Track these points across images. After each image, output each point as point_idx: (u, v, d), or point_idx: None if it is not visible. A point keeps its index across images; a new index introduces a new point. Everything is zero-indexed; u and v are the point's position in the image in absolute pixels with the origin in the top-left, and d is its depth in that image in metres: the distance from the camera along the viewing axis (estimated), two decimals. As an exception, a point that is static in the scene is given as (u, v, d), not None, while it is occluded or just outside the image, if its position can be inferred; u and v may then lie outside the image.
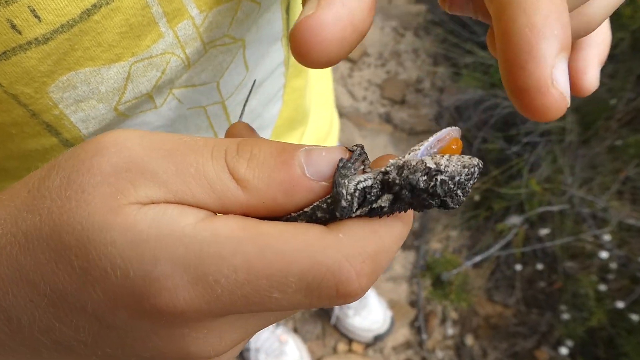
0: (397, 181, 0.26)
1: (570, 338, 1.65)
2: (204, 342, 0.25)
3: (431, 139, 0.27)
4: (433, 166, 0.25)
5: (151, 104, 0.43)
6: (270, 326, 1.69)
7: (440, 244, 1.94)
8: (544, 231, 1.75)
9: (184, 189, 0.24)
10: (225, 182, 0.25)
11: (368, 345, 1.79)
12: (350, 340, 1.80)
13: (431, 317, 1.83)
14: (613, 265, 1.62)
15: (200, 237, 0.23)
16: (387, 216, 0.26)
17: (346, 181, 0.25)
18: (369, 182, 0.26)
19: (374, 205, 0.26)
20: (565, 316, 1.67)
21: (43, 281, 0.24)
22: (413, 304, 1.86)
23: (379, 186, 0.26)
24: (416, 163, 0.26)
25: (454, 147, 0.27)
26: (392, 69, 2.31)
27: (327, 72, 0.88)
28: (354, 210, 0.26)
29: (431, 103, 2.20)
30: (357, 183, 0.26)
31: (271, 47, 0.51)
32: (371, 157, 0.28)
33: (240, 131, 0.33)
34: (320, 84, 0.82)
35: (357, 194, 0.26)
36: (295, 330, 1.81)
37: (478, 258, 1.82)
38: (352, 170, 0.26)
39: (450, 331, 1.80)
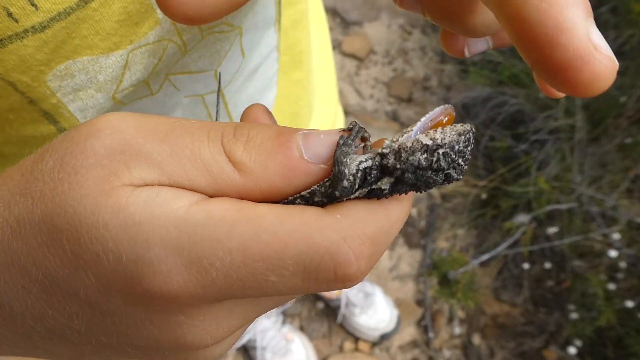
0: (397, 166, 0.25)
1: (579, 338, 1.63)
2: (200, 329, 0.25)
3: (423, 119, 0.27)
4: (430, 142, 0.25)
5: (147, 91, 0.42)
6: (277, 325, 1.69)
7: (447, 243, 1.93)
8: (552, 230, 1.73)
9: (179, 172, 0.24)
10: (221, 165, 0.24)
11: (374, 344, 1.78)
12: (356, 339, 1.79)
13: (438, 316, 1.82)
14: (622, 264, 1.60)
15: (194, 220, 0.23)
16: (386, 198, 0.26)
17: (348, 160, 0.25)
18: (370, 163, 0.26)
19: (374, 187, 0.25)
20: (574, 315, 1.65)
21: (35, 266, 0.24)
22: (420, 302, 1.85)
23: (378, 167, 0.26)
24: (412, 144, 0.25)
25: (445, 120, 0.27)
26: (399, 66, 2.30)
27: (331, 67, 0.87)
28: (354, 191, 0.25)
29: (438, 101, 2.18)
30: (359, 163, 0.25)
31: (265, 33, 0.50)
32: None
33: (257, 114, 0.32)
34: (324, 80, 0.82)
35: (358, 175, 0.25)
36: (302, 329, 1.81)
37: (485, 257, 1.80)
38: (353, 148, 0.26)
39: (457, 330, 1.79)
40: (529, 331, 1.76)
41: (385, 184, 0.26)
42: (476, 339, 1.78)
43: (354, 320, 1.75)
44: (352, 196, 0.26)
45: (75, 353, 0.28)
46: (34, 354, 0.28)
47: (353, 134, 0.26)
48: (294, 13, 0.55)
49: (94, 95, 0.38)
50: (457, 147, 0.25)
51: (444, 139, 0.25)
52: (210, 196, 0.24)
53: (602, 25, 1.77)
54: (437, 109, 0.27)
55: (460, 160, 0.25)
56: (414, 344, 1.79)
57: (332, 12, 2.41)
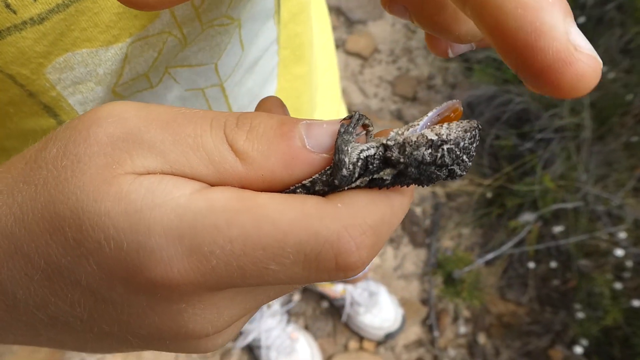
0: (401, 160, 0.25)
1: (585, 337, 1.62)
2: (201, 318, 0.25)
3: (430, 113, 0.27)
4: (435, 137, 0.25)
5: (147, 84, 0.42)
6: (281, 324, 1.69)
7: (451, 242, 1.93)
8: (557, 229, 1.72)
9: (181, 160, 0.24)
10: (223, 154, 0.24)
11: (379, 343, 1.78)
12: (361, 338, 1.79)
13: (443, 315, 1.81)
14: (629, 264, 1.59)
15: (195, 208, 0.23)
16: (388, 188, 0.26)
17: (349, 148, 0.25)
18: (372, 152, 0.26)
19: (375, 176, 0.25)
20: (580, 315, 1.64)
21: (37, 254, 0.24)
22: (424, 301, 1.84)
23: (381, 157, 0.26)
24: (417, 138, 0.25)
25: (452, 115, 0.27)
26: (403, 65, 2.29)
27: (334, 64, 0.87)
28: (354, 180, 0.25)
29: (443, 99, 2.18)
30: (360, 152, 0.25)
31: (264, 25, 0.50)
32: None
33: (271, 106, 0.32)
34: (326, 76, 0.81)
35: (359, 163, 0.25)
36: (306, 328, 1.81)
37: (490, 256, 1.79)
38: (354, 136, 0.26)
39: (463, 329, 1.79)
40: (535, 330, 1.75)
41: (387, 174, 0.25)
42: (481, 338, 1.77)
43: (359, 319, 1.74)
44: (353, 185, 0.26)
45: (78, 341, 0.28)
46: (38, 342, 0.29)
47: (354, 121, 0.26)
48: (293, 5, 0.55)
49: (94, 88, 0.38)
50: (462, 144, 0.25)
51: (450, 135, 0.25)
52: (213, 185, 0.24)
53: (607, 23, 1.76)
54: (445, 104, 0.27)
55: (464, 157, 0.25)
56: (419, 343, 1.78)
57: (337, 11, 2.41)
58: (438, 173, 0.25)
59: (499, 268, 1.86)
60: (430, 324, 1.80)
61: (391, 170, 0.26)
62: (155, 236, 0.22)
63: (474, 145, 0.25)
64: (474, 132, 0.25)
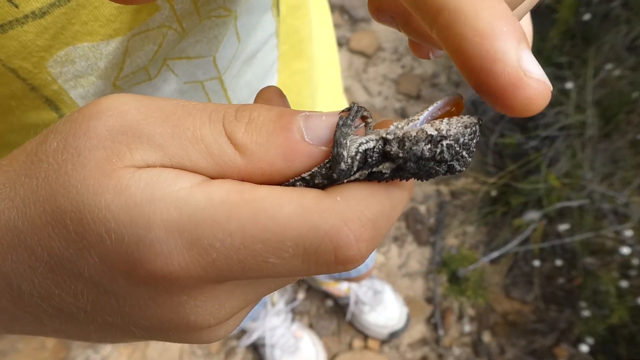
0: (400, 154, 0.25)
1: (591, 335, 1.61)
2: (203, 310, 0.25)
3: (431, 108, 0.26)
4: (435, 133, 0.25)
5: (145, 76, 0.42)
6: (286, 322, 1.69)
7: (456, 240, 1.92)
8: (563, 227, 1.71)
9: (181, 153, 0.24)
10: (222, 147, 0.24)
11: (384, 342, 1.77)
12: (365, 337, 1.79)
13: (448, 314, 1.81)
14: (635, 262, 1.59)
15: (195, 201, 0.23)
16: (387, 181, 0.26)
17: (347, 141, 0.25)
18: (371, 144, 0.26)
19: (374, 169, 0.25)
20: (586, 313, 1.63)
21: (40, 246, 0.24)
22: (429, 300, 1.84)
23: (381, 151, 0.26)
24: (416, 133, 0.25)
25: (453, 109, 0.26)
26: (407, 63, 2.29)
27: (335, 60, 0.87)
28: (353, 173, 0.25)
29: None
30: (359, 145, 0.25)
31: (262, 17, 0.50)
32: None
33: (270, 96, 0.32)
34: (328, 72, 0.81)
35: (358, 157, 0.25)
36: (311, 327, 1.81)
37: (495, 254, 1.79)
38: (352, 128, 0.26)
39: (467, 328, 1.78)
40: (540, 329, 1.75)
41: (386, 168, 0.25)
42: (486, 337, 1.77)
43: (363, 318, 1.74)
44: (352, 178, 0.26)
45: (82, 332, 0.28)
46: (43, 332, 0.29)
47: (352, 114, 0.26)
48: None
49: (95, 82, 0.38)
50: (462, 140, 0.25)
51: (450, 130, 0.25)
52: (212, 178, 0.25)
53: (613, 20, 1.76)
54: (446, 98, 0.27)
55: (464, 153, 0.25)
56: (423, 341, 1.78)
57: (340, 9, 2.41)
58: (437, 168, 0.25)
59: (503, 266, 1.85)
60: (434, 323, 1.79)
61: (390, 164, 0.25)
62: (155, 229, 0.22)
63: (474, 141, 0.25)
64: (474, 128, 0.25)
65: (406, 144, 0.25)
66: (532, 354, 1.72)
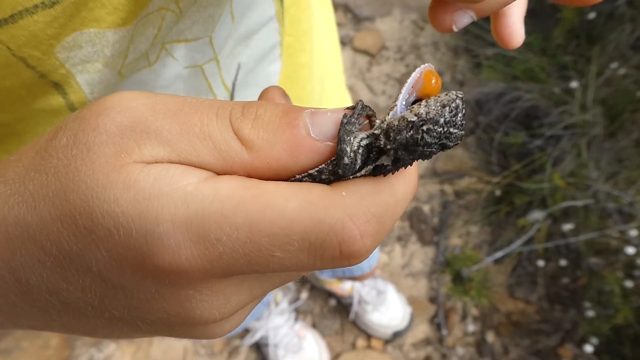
0: (388, 146, 0.25)
1: (596, 336, 1.61)
2: (209, 304, 0.25)
3: (404, 89, 0.27)
4: (415, 119, 0.25)
5: (145, 62, 0.43)
6: (289, 322, 1.69)
7: (460, 240, 1.92)
8: (567, 227, 1.71)
9: (188, 149, 0.24)
10: (229, 142, 0.25)
11: (387, 342, 1.77)
12: (369, 337, 1.79)
13: (451, 314, 1.81)
14: (640, 262, 1.58)
15: (202, 196, 0.23)
16: (392, 173, 0.26)
17: (351, 138, 0.25)
18: (370, 140, 0.26)
19: (377, 164, 0.26)
20: (590, 313, 1.63)
21: (49, 241, 0.24)
22: (433, 300, 1.84)
23: (377, 146, 0.26)
24: (398, 122, 0.25)
25: (433, 82, 0.26)
26: (411, 62, 2.28)
27: (337, 53, 0.88)
28: (358, 169, 0.26)
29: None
30: (360, 140, 0.26)
31: None
32: None
33: (274, 96, 0.33)
34: (332, 66, 0.82)
35: (360, 152, 0.25)
36: (314, 326, 1.81)
37: (499, 254, 1.78)
38: (357, 126, 0.26)
39: (471, 328, 1.78)
40: (544, 329, 1.74)
41: (386, 160, 0.26)
42: (490, 337, 1.76)
43: (367, 317, 1.74)
44: (359, 174, 0.26)
45: (90, 326, 0.28)
46: (51, 327, 0.29)
47: (356, 112, 0.26)
48: None
49: (101, 70, 0.39)
50: (442, 120, 0.25)
51: (429, 113, 0.25)
52: (219, 173, 0.25)
53: (618, 18, 1.75)
54: (414, 74, 0.27)
55: (451, 129, 0.25)
56: (427, 341, 1.78)
57: (344, 8, 2.41)
58: (429, 150, 0.25)
59: (507, 266, 1.85)
60: (438, 323, 1.79)
61: (387, 156, 0.26)
62: (163, 223, 0.23)
63: (460, 115, 0.25)
64: (454, 104, 0.25)
65: (391, 134, 0.25)
66: (536, 354, 1.71)
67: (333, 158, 0.25)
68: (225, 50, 0.50)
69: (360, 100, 0.27)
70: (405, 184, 0.26)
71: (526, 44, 1.90)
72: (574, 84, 1.75)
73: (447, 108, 0.25)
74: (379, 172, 0.26)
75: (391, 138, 0.25)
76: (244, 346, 1.76)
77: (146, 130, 0.24)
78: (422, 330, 1.79)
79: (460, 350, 1.75)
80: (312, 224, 0.23)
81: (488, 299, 1.78)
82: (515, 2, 0.35)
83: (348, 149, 0.25)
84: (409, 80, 0.26)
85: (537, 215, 1.77)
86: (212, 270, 0.24)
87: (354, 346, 1.78)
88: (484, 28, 2.07)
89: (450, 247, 1.90)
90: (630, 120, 1.73)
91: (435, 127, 0.25)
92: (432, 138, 0.25)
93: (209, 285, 0.25)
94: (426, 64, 0.27)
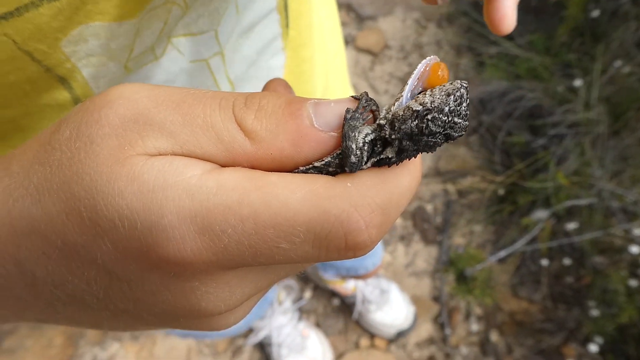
0: (393, 136, 0.25)
1: (600, 335, 1.60)
2: (214, 297, 0.25)
3: (410, 80, 0.26)
4: (420, 108, 0.25)
5: (151, 55, 0.43)
6: (293, 321, 1.69)
7: (463, 239, 1.91)
8: (571, 226, 1.70)
9: (192, 140, 0.24)
10: (232, 133, 0.25)
11: (391, 341, 1.77)
12: (372, 336, 1.78)
13: (455, 313, 1.80)
14: (644, 260, 1.57)
15: (206, 188, 0.23)
16: (397, 165, 0.26)
17: (356, 134, 0.25)
18: (375, 134, 0.26)
19: (382, 156, 0.26)
20: (594, 312, 1.62)
21: (54, 233, 0.24)
22: (436, 299, 1.83)
23: (382, 137, 0.26)
24: (403, 112, 0.25)
25: (439, 73, 0.26)
26: (414, 61, 2.28)
27: (341, 48, 0.88)
28: (364, 163, 0.26)
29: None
30: (365, 136, 0.26)
31: None
32: None
33: (277, 87, 0.33)
34: (336, 61, 0.82)
35: (366, 148, 0.25)
36: (318, 325, 1.80)
37: (503, 253, 1.78)
38: (361, 120, 0.26)
39: (475, 327, 1.77)
40: (548, 328, 1.73)
41: (390, 152, 0.26)
42: (494, 336, 1.76)
43: (370, 317, 1.74)
44: (364, 167, 0.26)
45: (95, 319, 0.28)
46: (56, 320, 0.29)
47: (360, 106, 0.26)
48: None
49: (107, 63, 0.39)
50: (447, 109, 0.25)
51: (433, 102, 0.25)
52: (223, 165, 0.25)
53: (622, 16, 1.74)
54: (420, 65, 0.27)
55: (455, 119, 0.25)
56: (430, 340, 1.78)
57: (347, 7, 2.41)
58: (434, 140, 0.25)
59: (511, 265, 1.84)
60: (441, 322, 1.78)
61: (392, 148, 0.26)
62: (168, 215, 0.23)
63: (464, 105, 0.25)
64: (459, 94, 0.25)
65: (396, 124, 0.25)
66: (540, 353, 1.70)
67: (338, 150, 0.25)
68: (229, 44, 0.50)
69: (365, 92, 0.27)
70: (410, 175, 0.26)
71: (529, 43, 1.89)
72: (577, 83, 1.74)
73: (452, 97, 0.25)
74: (383, 164, 0.26)
75: (396, 128, 0.25)
76: (247, 345, 1.76)
77: (149, 122, 0.24)
78: (426, 329, 1.79)
79: (463, 350, 1.75)
80: (317, 215, 0.23)
81: (492, 298, 1.77)
82: None
83: (354, 146, 0.25)
84: (415, 72, 0.26)
85: (540, 214, 1.76)
86: (217, 262, 0.24)
87: (357, 345, 1.77)
88: (487, 27, 2.06)
89: (454, 246, 1.90)
90: (634, 119, 1.72)
91: (440, 116, 0.25)
92: (437, 127, 0.25)
93: (214, 277, 0.25)
94: (432, 56, 0.27)
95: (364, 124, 0.26)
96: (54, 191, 0.24)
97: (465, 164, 2.01)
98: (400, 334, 1.74)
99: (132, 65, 0.41)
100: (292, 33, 0.58)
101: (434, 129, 0.25)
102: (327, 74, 0.74)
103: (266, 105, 0.25)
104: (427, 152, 0.26)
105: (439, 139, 0.25)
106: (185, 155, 0.24)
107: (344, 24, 2.36)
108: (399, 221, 1.95)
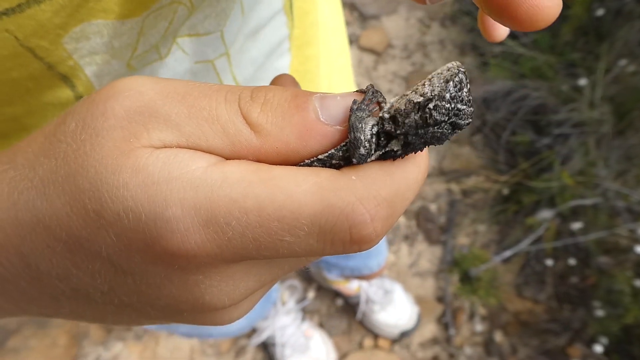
0: (398, 131, 0.25)
1: (605, 335, 1.59)
2: (218, 290, 0.25)
3: (434, 79, 0.26)
4: (421, 99, 0.25)
5: (156, 54, 0.43)
6: (296, 321, 1.69)
7: (467, 239, 1.91)
8: (576, 225, 1.69)
9: (197, 133, 0.24)
10: (238, 126, 0.24)
11: (394, 341, 1.76)
12: (376, 336, 1.78)
13: (459, 313, 1.80)
14: (650, 260, 1.57)
15: (211, 180, 0.23)
16: (402, 158, 0.26)
17: (363, 125, 0.25)
18: (379, 127, 0.26)
19: (387, 149, 0.26)
20: (599, 313, 1.61)
21: (59, 226, 0.24)
22: (440, 299, 1.83)
23: (386, 131, 0.26)
24: (405, 106, 0.25)
25: None
26: (417, 60, 2.28)
27: (346, 46, 0.88)
28: (371, 155, 0.25)
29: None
30: (372, 127, 0.26)
31: None
32: None
33: (284, 83, 0.33)
34: (340, 60, 0.82)
35: (373, 139, 0.25)
36: (321, 326, 1.80)
37: (507, 253, 1.77)
38: (367, 112, 0.26)
39: (479, 327, 1.77)
40: (553, 328, 1.73)
41: (396, 145, 0.26)
42: (498, 336, 1.75)
43: (374, 317, 1.73)
44: (369, 159, 0.26)
45: (99, 313, 0.28)
46: (60, 314, 0.29)
47: (367, 98, 0.26)
48: None
49: (110, 61, 0.39)
50: (447, 95, 0.24)
51: (433, 90, 0.25)
52: (227, 158, 0.25)
53: (627, 15, 1.73)
54: (443, 67, 0.26)
55: (459, 106, 0.25)
56: (434, 341, 1.77)
57: (350, 6, 2.40)
58: (441, 130, 0.25)
59: (516, 265, 1.84)
60: (446, 322, 1.78)
61: (397, 141, 0.26)
62: (172, 208, 0.23)
63: (465, 90, 0.25)
64: (457, 79, 0.24)
65: (399, 119, 0.25)
66: (545, 353, 1.70)
67: (343, 143, 0.25)
68: (235, 45, 0.50)
69: (371, 85, 0.27)
70: (417, 168, 0.26)
71: (534, 41, 1.88)
72: (582, 82, 1.74)
73: (451, 83, 0.24)
74: (389, 156, 0.26)
75: (399, 123, 0.25)
76: (250, 346, 1.75)
77: (155, 114, 0.24)
78: (430, 329, 1.78)
79: (468, 350, 1.74)
80: (322, 207, 0.23)
81: (496, 298, 1.76)
82: None
83: (362, 138, 0.25)
84: (437, 71, 0.26)
85: (545, 214, 1.76)
86: (222, 255, 0.24)
87: (361, 346, 1.77)
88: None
89: (458, 246, 1.89)
90: (639, 118, 1.71)
91: (442, 103, 0.24)
92: (441, 115, 0.24)
93: (218, 270, 0.25)
94: (455, 62, 0.26)
95: (369, 116, 0.26)
96: (59, 183, 0.24)
97: (470, 163, 2.00)
98: (404, 334, 1.73)
99: (136, 64, 0.41)
100: (297, 32, 0.57)
101: (438, 117, 0.24)
102: (331, 73, 0.74)
103: (272, 98, 0.25)
104: (436, 145, 0.26)
105: (446, 128, 0.25)
106: (190, 148, 0.24)
107: (347, 24, 2.36)
108: (402, 221, 1.95)
